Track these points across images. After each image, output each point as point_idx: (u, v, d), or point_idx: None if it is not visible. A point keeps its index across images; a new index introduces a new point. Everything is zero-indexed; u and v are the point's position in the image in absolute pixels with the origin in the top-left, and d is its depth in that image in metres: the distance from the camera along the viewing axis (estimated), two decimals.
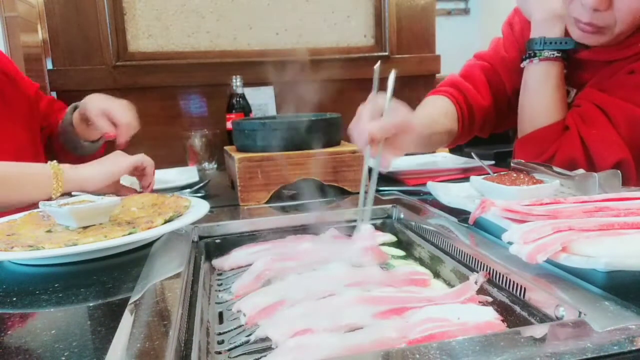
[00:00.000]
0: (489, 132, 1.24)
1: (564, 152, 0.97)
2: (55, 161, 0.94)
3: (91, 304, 0.53)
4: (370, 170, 0.78)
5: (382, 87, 0.81)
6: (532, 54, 1.04)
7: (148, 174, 1.03)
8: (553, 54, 1.02)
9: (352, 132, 0.79)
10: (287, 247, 0.76)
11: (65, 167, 0.93)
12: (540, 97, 1.04)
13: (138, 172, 1.02)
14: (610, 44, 0.97)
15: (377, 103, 0.78)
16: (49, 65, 1.54)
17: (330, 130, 1.05)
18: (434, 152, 1.40)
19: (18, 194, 0.91)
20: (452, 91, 1.16)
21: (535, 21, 1.05)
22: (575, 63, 1.06)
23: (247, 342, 0.51)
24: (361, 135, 0.75)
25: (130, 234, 0.68)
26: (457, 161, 1.25)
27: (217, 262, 0.76)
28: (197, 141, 1.49)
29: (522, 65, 1.07)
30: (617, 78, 0.98)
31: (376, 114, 0.77)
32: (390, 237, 0.81)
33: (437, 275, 0.69)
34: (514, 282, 0.55)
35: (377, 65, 0.78)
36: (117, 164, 0.98)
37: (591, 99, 0.99)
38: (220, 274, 0.73)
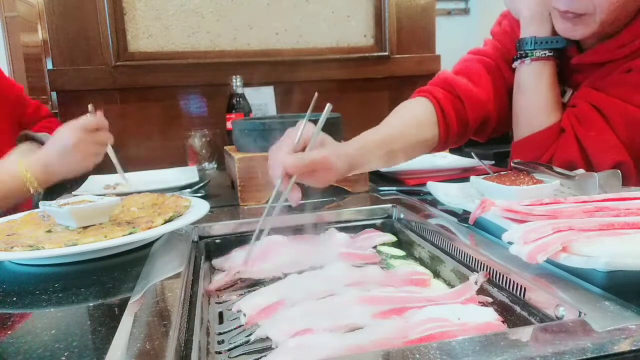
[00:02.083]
0: (488, 134, 1.16)
1: (561, 155, 0.96)
2: (21, 162, 0.98)
3: (91, 304, 0.53)
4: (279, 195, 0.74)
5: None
6: (524, 54, 1.02)
7: None
8: (545, 54, 1.01)
9: (270, 159, 0.75)
10: (286, 246, 0.76)
11: (37, 171, 0.98)
12: (534, 98, 1.02)
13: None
14: (596, 36, 0.96)
15: (305, 133, 0.74)
16: (49, 65, 1.54)
17: (330, 130, 1.04)
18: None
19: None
20: (437, 92, 1.08)
21: (525, 20, 1.04)
22: (570, 65, 1.05)
23: (247, 342, 0.51)
24: (276, 166, 0.72)
25: (130, 234, 0.68)
26: (457, 161, 1.25)
27: (217, 262, 0.76)
28: (197, 141, 1.49)
29: (513, 66, 1.06)
30: (614, 77, 0.96)
31: (300, 146, 0.74)
32: (390, 237, 0.81)
33: (437, 275, 0.69)
34: (514, 282, 0.55)
35: (316, 96, 0.75)
36: (64, 139, 1.00)
37: (587, 98, 0.97)
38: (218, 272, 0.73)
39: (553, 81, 1.02)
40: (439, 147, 1.09)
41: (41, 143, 1.22)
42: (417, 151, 1.04)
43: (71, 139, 1.00)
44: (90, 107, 1.10)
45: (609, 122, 0.93)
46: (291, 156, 0.71)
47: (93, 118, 1.05)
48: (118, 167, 1.20)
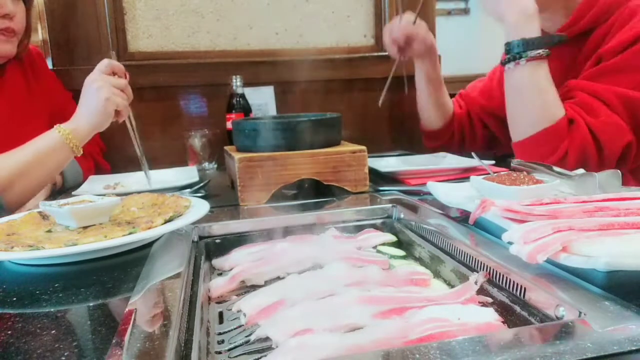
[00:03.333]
0: (460, 144, 1.47)
1: (576, 146, 1.00)
2: (58, 127, 1.03)
3: (91, 304, 0.53)
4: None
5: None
6: (512, 58, 1.05)
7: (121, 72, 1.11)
8: (539, 53, 1.03)
9: (385, 33, 1.33)
10: (287, 247, 0.76)
11: (69, 127, 1.04)
12: (537, 96, 1.04)
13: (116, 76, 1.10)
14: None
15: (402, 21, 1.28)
16: (49, 65, 1.54)
17: (330, 130, 1.05)
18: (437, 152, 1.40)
19: (45, 173, 1.03)
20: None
21: (509, 24, 1.06)
22: None
23: (247, 342, 0.51)
24: (386, 34, 1.33)
25: (130, 234, 0.68)
26: (457, 161, 1.25)
27: (217, 262, 0.76)
28: (197, 141, 1.49)
29: (506, 68, 1.08)
30: (591, 71, 1.04)
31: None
32: (390, 237, 0.81)
33: (437, 275, 0.69)
34: (514, 282, 0.55)
35: None
36: (99, 95, 1.05)
37: (583, 89, 1.03)
38: (220, 274, 0.73)
39: (550, 78, 1.06)
40: (447, 123, 1.46)
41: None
42: (447, 107, 1.46)
43: (90, 79, 1.08)
44: (112, 53, 1.16)
45: (610, 107, 0.99)
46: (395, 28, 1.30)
47: (108, 60, 1.10)
48: (144, 165, 1.20)
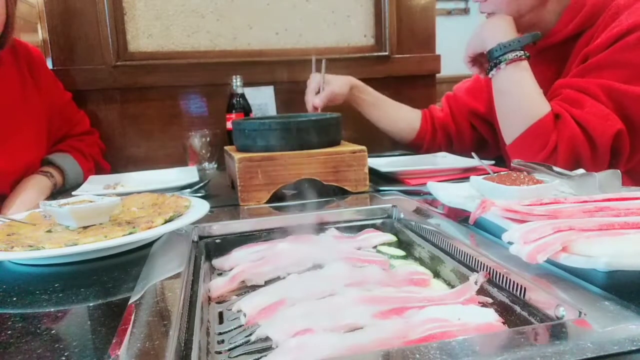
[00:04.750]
0: (449, 146, 1.45)
1: (565, 138, 1.00)
2: None
3: (91, 304, 0.53)
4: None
5: None
6: (494, 64, 1.09)
7: None
8: (516, 55, 1.06)
9: (306, 100, 1.37)
10: (287, 247, 0.76)
11: None
12: (522, 95, 1.07)
13: None
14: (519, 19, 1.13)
15: (318, 81, 1.37)
16: (49, 65, 1.54)
17: (330, 130, 1.05)
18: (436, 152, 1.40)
19: None
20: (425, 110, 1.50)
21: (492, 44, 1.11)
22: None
23: (247, 342, 0.51)
24: (308, 104, 1.36)
25: (130, 234, 0.68)
26: (457, 161, 1.25)
27: (217, 262, 0.76)
28: (197, 141, 1.49)
29: (490, 76, 1.12)
30: (578, 69, 1.05)
31: (317, 89, 1.36)
32: (390, 237, 0.81)
33: (437, 275, 0.69)
34: (514, 282, 0.55)
35: (323, 62, 1.38)
36: None
37: (568, 86, 1.04)
38: (220, 274, 0.73)
39: (533, 77, 1.08)
40: (417, 137, 1.47)
41: (60, 168, 1.23)
42: (405, 124, 1.48)
43: None
44: None
45: (594, 98, 1.00)
46: (315, 97, 1.35)
47: None
48: None
